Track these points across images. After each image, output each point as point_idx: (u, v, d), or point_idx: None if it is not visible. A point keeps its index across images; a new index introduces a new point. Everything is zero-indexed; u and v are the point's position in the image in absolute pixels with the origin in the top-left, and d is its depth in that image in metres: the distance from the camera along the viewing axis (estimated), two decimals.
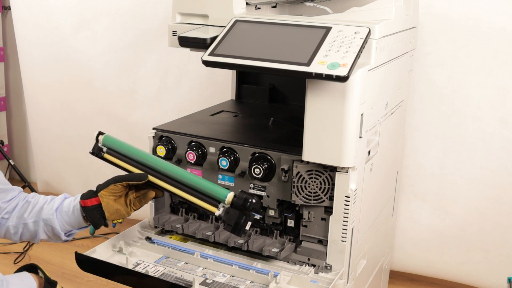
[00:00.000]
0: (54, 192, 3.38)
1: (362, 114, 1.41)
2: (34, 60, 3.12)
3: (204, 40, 1.45)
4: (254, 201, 1.35)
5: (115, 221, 1.45)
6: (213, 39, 1.44)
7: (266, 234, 1.62)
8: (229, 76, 2.17)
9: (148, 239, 1.66)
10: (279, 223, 1.60)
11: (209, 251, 1.58)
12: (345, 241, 1.47)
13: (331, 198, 1.46)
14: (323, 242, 1.52)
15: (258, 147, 1.54)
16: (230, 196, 1.37)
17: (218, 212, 1.37)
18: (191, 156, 1.60)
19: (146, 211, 1.72)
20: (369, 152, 1.55)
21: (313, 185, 1.47)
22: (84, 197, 1.43)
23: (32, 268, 1.37)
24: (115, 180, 1.41)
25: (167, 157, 1.64)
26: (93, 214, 1.41)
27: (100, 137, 1.49)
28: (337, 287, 1.44)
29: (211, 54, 1.40)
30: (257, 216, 1.38)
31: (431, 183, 2.33)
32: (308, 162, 1.45)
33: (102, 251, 1.56)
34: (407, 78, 2.00)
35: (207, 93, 2.63)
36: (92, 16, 2.81)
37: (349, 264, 1.52)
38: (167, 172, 1.43)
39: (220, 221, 1.39)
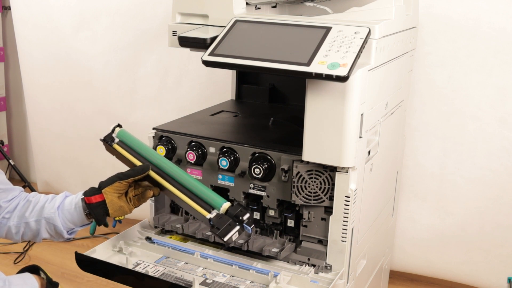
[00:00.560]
0: (54, 192, 3.35)
1: (362, 114, 1.41)
2: (34, 60, 3.12)
3: (204, 40, 1.45)
4: (248, 214, 1.37)
5: (117, 218, 1.45)
6: (213, 39, 1.44)
7: (266, 234, 1.62)
8: (229, 76, 2.17)
9: (148, 239, 1.66)
10: (279, 223, 1.60)
11: (209, 251, 1.58)
12: (345, 241, 1.47)
13: (331, 198, 1.46)
14: (323, 242, 1.52)
15: (258, 147, 1.54)
16: (226, 205, 1.39)
17: (209, 215, 1.38)
18: (191, 156, 1.60)
19: (146, 211, 1.72)
20: (369, 152, 1.55)
21: (313, 185, 1.47)
22: (88, 194, 1.43)
23: (34, 269, 1.37)
24: (119, 177, 1.42)
25: (167, 157, 1.63)
26: (97, 210, 1.42)
27: (117, 129, 1.53)
28: (337, 287, 1.44)
29: (211, 54, 1.40)
30: (248, 230, 1.38)
31: (431, 183, 2.33)
32: (308, 162, 1.45)
33: (102, 251, 1.56)
34: (407, 78, 2.00)
35: (207, 93, 2.63)
36: (92, 16, 2.81)
37: (349, 264, 1.52)
38: (170, 172, 1.46)
39: (209, 224, 1.38)
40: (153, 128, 1.69)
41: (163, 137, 1.66)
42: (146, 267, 1.51)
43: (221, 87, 2.46)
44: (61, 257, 2.75)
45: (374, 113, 1.54)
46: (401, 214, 2.38)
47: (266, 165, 1.52)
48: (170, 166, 1.47)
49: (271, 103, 2.08)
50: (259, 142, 1.56)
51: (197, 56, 1.45)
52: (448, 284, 2.49)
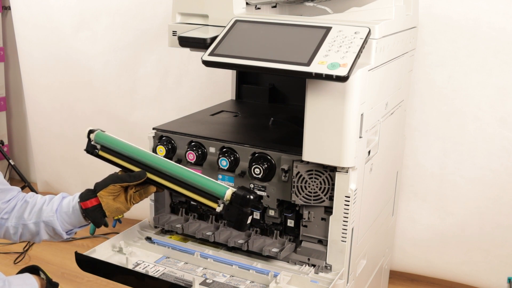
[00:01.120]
0: (54, 192, 3.37)
1: (362, 114, 1.41)
2: (34, 60, 3.12)
3: (204, 40, 1.45)
4: (252, 197, 1.32)
5: (115, 217, 1.44)
6: (213, 39, 1.44)
7: (266, 234, 1.62)
8: (229, 76, 2.17)
9: (148, 239, 1.66)
10: (279, 223, 1.60)
11: (209, 251, 1.58)
12: (345, 241, 1.47)
13: (331, 198, 1.46)
14: (323, 242, 1.52)
15: (258, 147, 1.54)
16: (228, 193, 1.34)
17: (219, 208, 1.35)
18: (191, 156, 1.60)
19: (146, 211, 1.72)
20: (369, 152, 1.55)
21: (313, 185, 1.47)
22: (83, 198, 1.42)
23: (34, 270, 1.37)
24: (113, 180, 1.40)
25: (167, 157, 1.63)
26: (94, 214, 1.41)
27: (92, 135, 1.47)
28: (337, 287, 1.44)
29: (211, 54, 1.40)
30: (257, 212, 1.37)
31: (431, 183, 2.33)
32: (308, 162, 1.45)
33: (102, 251, 1.56)
34: (407, 78, 2.00)
35: (207, 93, 2.63)
36: (92, 16, 2.81)
37: (349, 264, 1.52)
38: (163, 168, 1.41)
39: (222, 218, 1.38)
40: (153, 128, 1.69)
41: (163, 137, 1.66)
42: (146, 267, 1.51)
43: (221, 87, 2.46)
44: (61, 257, 2.75)
45: (374, 113, 1.54)
46: (401, 214, 2.38)
47: (266, 165, 1.52)
48: (159, 162, 1.41)
49: (271, 103, 2.08)
50: (259, 142, 1.56)
51: (197, 56, 1.45)
52: (448, 284, 2.49)
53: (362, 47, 1.32)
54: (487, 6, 2.09)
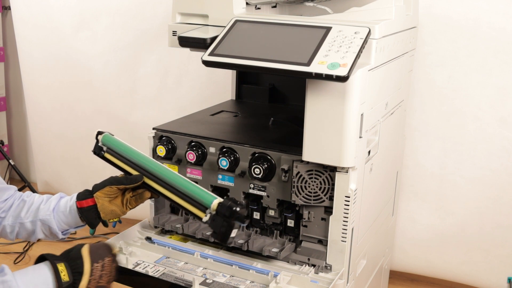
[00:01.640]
0: (54, 192, 3.35)
1: (362, 114, 1.41)
2: (34, 60, 3.12)
3: (204, 40, 1.45)
4: (238, 209, 1.30)
5: (111, 220, 1.45)
6: (213, 39, 1.44)
7: (266, 234, 1.62)
8: (229, 76, 2.17)
9: (148, 239, 1.66)
10: (279, 223, 1.60)
11: (209, 251, 1.58)
12: (345, 241, 1.47)
13: (331, 198, 1.46)
14: (323, 242, 1.52)
15: (258, 147, 1.54)
16: (215, 203, 1.33)
17: (205, 218, 1.34)
18: (191, 156, 1.60)
19: (146, 211, 1.72)
20: (369, 152, 1.55)
21: (313, 185, 1.47)
22: (80, 197, 1.43)
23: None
24: (111, 182, 1.42)
25: (167, 157, 1.64)
26: (88, 214, 1.43)
27: (100, 137, 1.49)
28: (337, 287, 1.44)
29: (211, 54, 1.40)
30: (241, 224, 1.34)
31: (431, 183, 2.33)
32: (308, 162, 1.45)
33: None
34: (407, 78, 2.00)
35: (207, 93, 2.63)
36: (92, 16, 2.81)
37: (349, 264, 1.52)
38: (159, 174, 1.42)
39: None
40: (153, 128, 1.69)
41: (163, 137, 1.66)
42: (146, 267, 1.51)
43: (221, 87, 2.46)
44: None
45: (374, 113, 1.54)
46: (401, 214, 2.38)
47: (266, 165, 1.52)
48: (157, 168, 1.42)
49: (271, 103, 2.08)
50: (259, 142, 1.56)
51: (197, 56, 1.45)
52: (448, 284, 2.49)
53: (362, 47, 1.32)
54: (487, 6, 2.09)
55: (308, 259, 1.54)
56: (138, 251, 1.60)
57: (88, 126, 3.01)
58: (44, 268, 1.22)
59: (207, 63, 1.40)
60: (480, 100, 2.17)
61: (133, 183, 1.41)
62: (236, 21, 1.47)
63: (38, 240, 1.53)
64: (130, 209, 1.45)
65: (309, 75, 1.29)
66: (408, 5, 1.83)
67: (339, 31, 1.37)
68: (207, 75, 2.63)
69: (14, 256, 2.77)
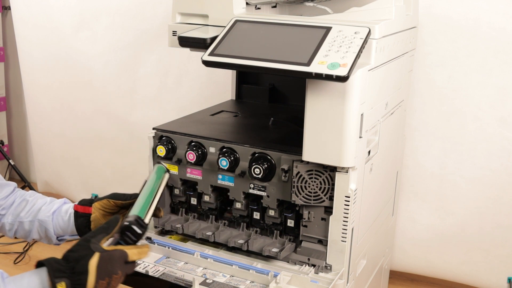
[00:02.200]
0: (54, 192, 3.38)
1: (362, 114, 1.41)
2: (34, 60, 3.12)
3: (204, 40, 1.45)
4: (127, 233, 1.17)
5: None
6: (213, 39, 1.44)
7: (266, 234, 1.62)
8: (229, 76, 2.17)
9: (148, 239, 1.66)
10: (279, 223, 1.60)
11: (209, 251, 1.58)
12: (345, 241, 1.47)
13: (331, 198, 1.46)
14: (323, 242, 1.52)
15: (258, 147, 1.54)
16: (130, 216, 1.20)
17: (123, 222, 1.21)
18: (191, 156, 1.60)
19: None
20: (369, 152, 1.55)
21: (313, 185, 1.47)
22: (81, 202, 1.45)
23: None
24: (111, 196, 1.42)
25: (167, 157, 1.64)
26: (80, 220, 1.43)
27: (156, 166, 1.46)
28: (337, 287, 1.44)
29: (211, 54, 1.40)
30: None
31: (431, 183, 2.33)
32: (308, 162, 1.45)
33: None
34: (407, 78, 2.00)
35: (207, 93, 2.63)
36: (92, 16, 2.81)
37: (349, 264, 1.52)
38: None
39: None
40: (153, 128, 1.69)
41: (163, 137, 1.66)
42: (146, 267, 1.51)
43: (221, 87, 2.46)
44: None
45: (374, 113, 1.54)
46: (401, 214, 2.38)
47: (266, 165, 1.52)
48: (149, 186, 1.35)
49: (271, 103, 2.08)
50: (259, 142, 1.56)
51: (197, 56, 1.45)
52: (448, 284, 2.49)
53: (362, 47, 1.32)
54: (487, 6, 2.09)
55: (308, 259, 1.54)
56: None
57: (88, 126, 3.01)
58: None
59: (207, 63, 1.40)
60: (480, 100, 2.17)
61: (127, 199, 1.40)
62: (236, 21, 1.47)
63: (34, 240, 1.53)
64: None
65: (309, 75, 1.29)
66: (408, 5, 1.83)
67: (339, 31, 1.37)
68: (207, 75, 2.63)
69: (14, 256, 2.77)
